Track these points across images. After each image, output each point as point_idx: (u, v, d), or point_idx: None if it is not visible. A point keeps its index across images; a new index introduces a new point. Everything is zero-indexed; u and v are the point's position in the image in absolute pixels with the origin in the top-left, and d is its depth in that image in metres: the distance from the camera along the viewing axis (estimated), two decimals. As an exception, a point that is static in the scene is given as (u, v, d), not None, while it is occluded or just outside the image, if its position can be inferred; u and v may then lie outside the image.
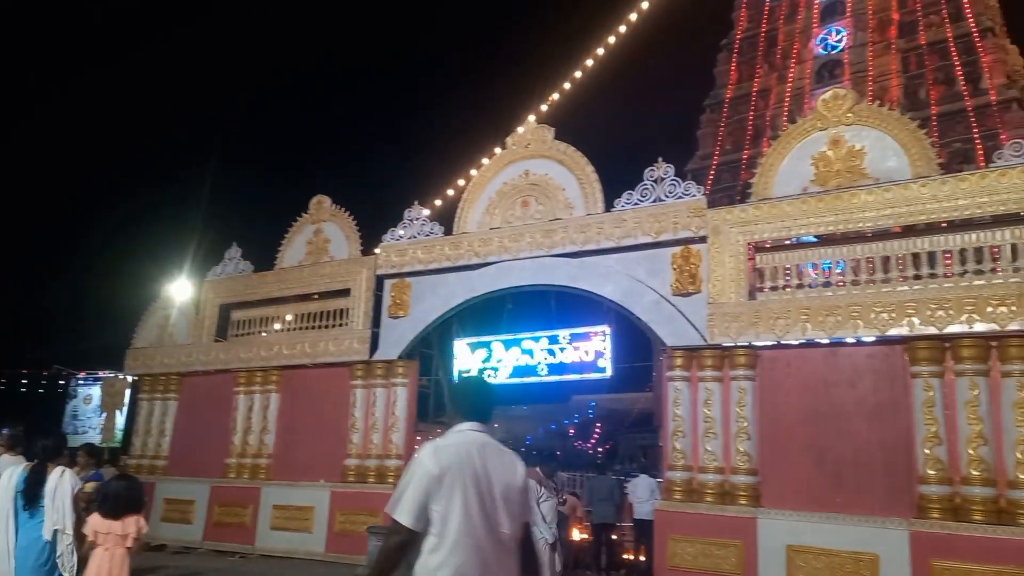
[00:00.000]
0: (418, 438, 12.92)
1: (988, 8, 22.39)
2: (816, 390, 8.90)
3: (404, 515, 2.92)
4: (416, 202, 12.82)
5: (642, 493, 11.42)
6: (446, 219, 12.48)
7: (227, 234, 15.42)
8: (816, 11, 24.94)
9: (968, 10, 21.85)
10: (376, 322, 12.55)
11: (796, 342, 8.99)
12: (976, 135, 20.06)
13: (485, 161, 12.70)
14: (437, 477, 2.94)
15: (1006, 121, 19.83)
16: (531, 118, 13.54)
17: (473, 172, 13.04)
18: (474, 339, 12.66)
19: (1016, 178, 7.96)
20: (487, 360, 12.37)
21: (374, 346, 12.42)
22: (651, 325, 10.05)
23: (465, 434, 3.16)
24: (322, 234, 13.51)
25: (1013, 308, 7.69)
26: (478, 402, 3.29)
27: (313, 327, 13.23)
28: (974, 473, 7.77)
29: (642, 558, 11.38)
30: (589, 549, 12.41)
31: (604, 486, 11.85)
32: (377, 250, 12.78)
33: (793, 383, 9.06)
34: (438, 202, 18.59)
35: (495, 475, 3.03)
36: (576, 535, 12.52)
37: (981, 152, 19.06)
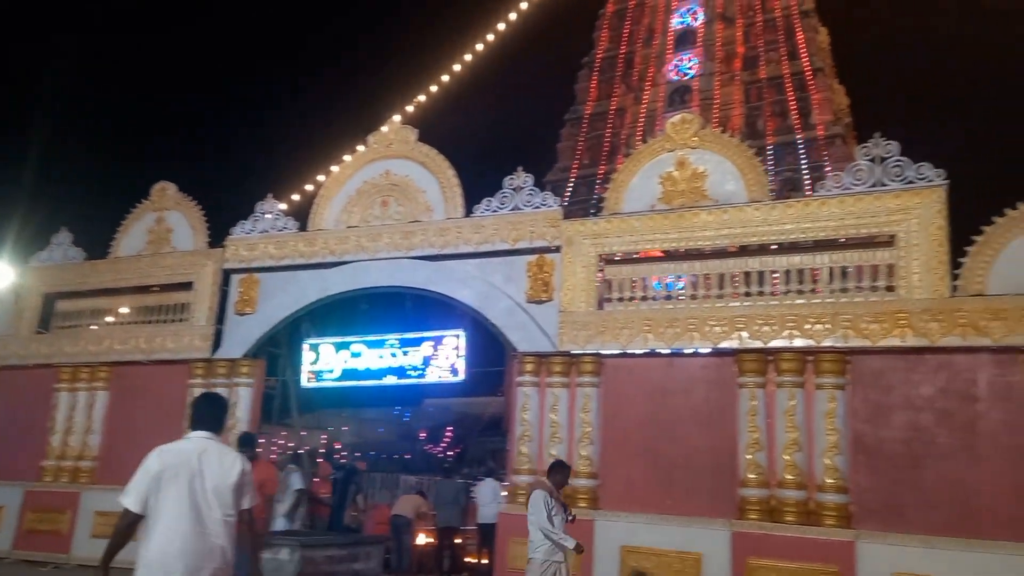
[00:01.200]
0: (261, 440, 12.41)
1: (820, 50, 24.57)
2: (654, 397, 9.35)
3: (128, 501, 3.74)
4: (270, 195, 12.33)
5: (486, 497, 11.53)
6: (302, 215, 12.09)
7: (55, 217, 14.18)
8: (671, 39, 26.37)
9: (803, 51, 23.89)
10: (221, 319, 11.95)
11: (639, 351, 9.41)
12: (804, 166, 21.94)
13: (347, 158, 12.42)
14: (156, 474, 3.72)
15: (831, 155, 21.84)
16: (396, 118, 13.40)
17: (333, 169, 12.72)
18: (326, 339, 12.30)
19: (835, 207, 8.74)
20: (337, 361, 12.06)
21: (217, 344, 11.81)
22: (504, 331, 10.20)
23: (191, 440, 3.91)
24: (164, 223, 12.70)
25: (828, 326, 8.43)
26: (205, 414, 4.03)
27: (150, 321, 12.39)
28: (788, 477, 8.44)
29: (484, 561, 11.49)
30: (433, 553, 12.38)
31: (450, 490, 11.87)
32: (225, 243, 12.18)
33: (634, 390, 9.48)
34: (295, 197, 18.02)
35: (208, 473, 3.77)
36: (421, 539, 12.46)
37: (809, 182, 20.84)
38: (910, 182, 8.44)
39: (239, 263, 11.97)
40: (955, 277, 8.13)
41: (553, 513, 6.64)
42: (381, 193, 11.46)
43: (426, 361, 11.51)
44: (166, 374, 11.97)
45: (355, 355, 11.87)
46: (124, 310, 12.67)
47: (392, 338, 11.81)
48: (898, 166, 8.54)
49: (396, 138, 11.64)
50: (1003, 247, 8.03)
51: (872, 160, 8.69)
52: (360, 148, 12.08)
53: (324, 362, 12.15)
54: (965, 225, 8.32)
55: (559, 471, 7.04)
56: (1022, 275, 7.89)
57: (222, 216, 12.64)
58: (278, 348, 13.10)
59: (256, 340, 11.65)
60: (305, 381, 12.58)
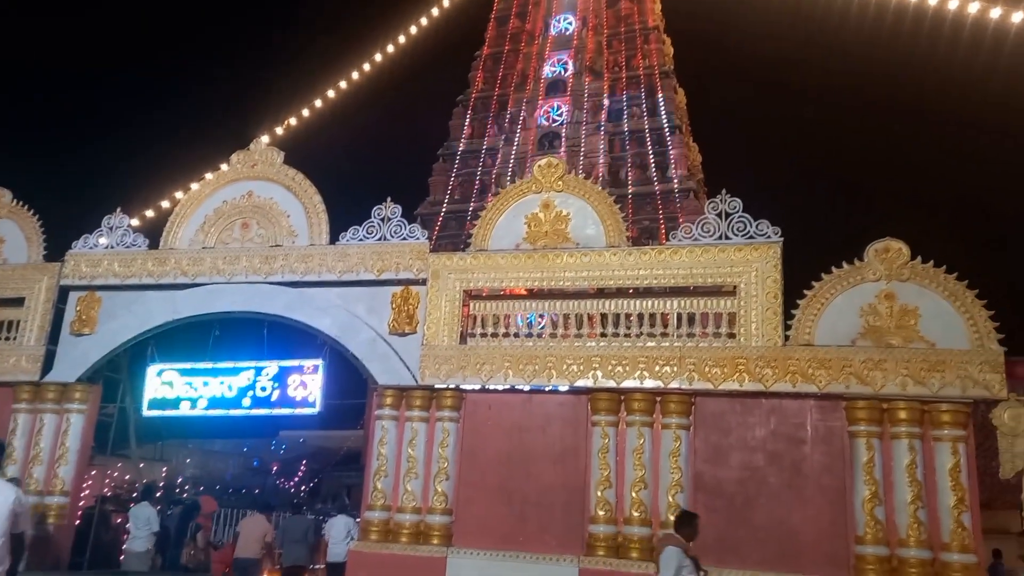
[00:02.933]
0: (92, 472, 11.42)
1: (678, 109, 26.20)
2: (512, 434, 9.42)
3: None
4: (119, 209, 11.53)
5: (338, 533, 11.11)
6: (155, 232, 11.40)
7: None
8: (543, 86, 27.26)
9: (663, 109, 25.37)
10: (54, 339, 10.97)
11: (499, 387, 9.47)
12: (660, 216, 23.17)
13: (208, 176, 11.86)
14: None
15: (684, 207, 23.18)
16: (263, 138, 12.96)
17: (193, 186, 12.10)
18: (172, 365, 11.52)
19: (685, 257, 9.24)
20: (184, 388, 11.31)
21: (48, 366, 10.82)
22: (365, 362, 9.99)
23: None
24: (-6, 232, 11.57)
25: (675, 368, 8.85)
26: None
27: (-31, 339, 11.17)
28: (635, 514, 8.70)
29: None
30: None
31: (299, 527, 11.33)
32: (65, 258, 11.24)
33: (493, 426, 9.51)
34: (149, 213, 16.95)
35: None
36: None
37: (663, 231, 21.98)
38: (751, 237, 9.08)
39: (79, 280, 11.09)
40: (788, 327, 8.77)
41: (688, 571, 6.23)
42: (242, 215, 11.03)
43: (281, 391, 11.01)
44: (-15, 398, 10.80)
45: (204, 383, 11.18)
46: (-62, 325, 11.37)
47: (246, 366, 11.23)
48: (741, 222, 9.17)
49: (262, 159, 11.27)
50: (829, 302, 8.77)
51: (719, 215, 9.29)
52: (223, 167, 11.57)
53: (168, 389, 11.35)
54: (799, 279, 9.04)
55: (688, 523, 6.56)
56: (844, 328, 8.64)
57: (67, 228, 11.70)
58: (118, 373, 12.10)
59: (93, 363, 10.78)
60: (146, 409, 11.68)
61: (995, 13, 15.48)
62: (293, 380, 11.05)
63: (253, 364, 11.11)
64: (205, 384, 11.32)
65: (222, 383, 11.11)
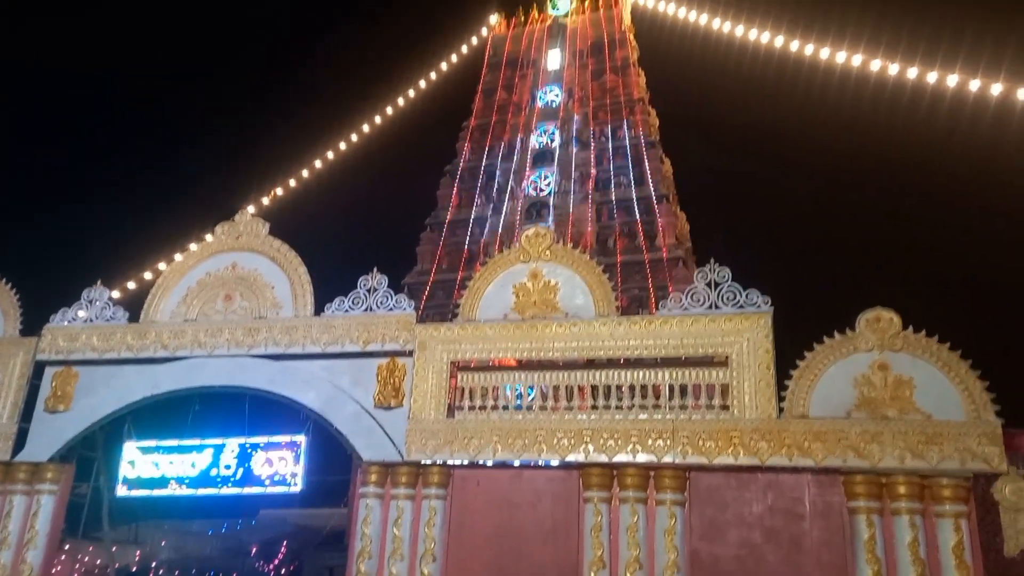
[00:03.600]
0: (62, 557, 11.01)
1: (665, 179, 26.70)
2: (501, 511, 9.21)
3: None
4: (99, 281, 11.47)
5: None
6: (136, 306, 11.31)
7: None
8: (530, 156, 27.81)
9: (650, 178, 25.84)
10: (28, 416, 10.72)
11: (488, 462, 9.30)
12: (650, 285, 23.31)
13: (192, 247, 11.87)
14: None
15: (674, 276, 23.35)
16: (249, 209, 13.05)
17: (177, 257, 12.09)
18: (150, 442, 11.27)
19: (676, 327, 9.24)
20: (161, 467, 11.03)
21: (20, 444, 10.55)
22: (349, 437, 9.81)
23: None
24: (-30, 306, 11.44)
25: (668, 442, 8.73)
26: None
27: (-62, 417, 10.90)
28: (629, 596, 8.44)
29: None
30: None
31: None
32: (42, 332, 11.11)
33: (481, 503, 9.30)
34: (131, 285, 16.91)
35: None
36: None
37: (653, 300, 22.09)
38: (741, 307, 9.11)
39: (56, 354, 10.93)
40: (782, 399, 8.72)
41: None
42: (226, 287, 11.00)
43: (247, 470, 10.78)
44: (-50, 478, 10.48)
45: (170, 462, 10.93)
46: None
47: (226, 442, 11.00)
48: (731, 291, 9.21)
49: (246, 230, 11.31)
50: (822, 372, 8.74)
51: (708, 284, 9.34)
52: (207, 238, 11.60)
53: (145, 467, 11.06)
54: (792, 349, 9.03)
55: None
56: (839, 399, 8.59)
57: (46, 301, 11.60)
58: (93, 451, 11.80)
59: (67, 441, 10.52)
60: (121, 489, 11.36)
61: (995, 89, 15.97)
62: (275, 457, 10.82)
63: (235, 441, 10.89)
64: (171, 463, 11.07)
65: (192, 463, 10.86)
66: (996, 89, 15.92)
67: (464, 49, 30.22)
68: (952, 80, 16.56)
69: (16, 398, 10.75)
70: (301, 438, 10.73)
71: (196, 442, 11.10)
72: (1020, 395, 9.12)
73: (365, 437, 9.68)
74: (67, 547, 12.05)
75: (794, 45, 20.53)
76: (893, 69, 17.86)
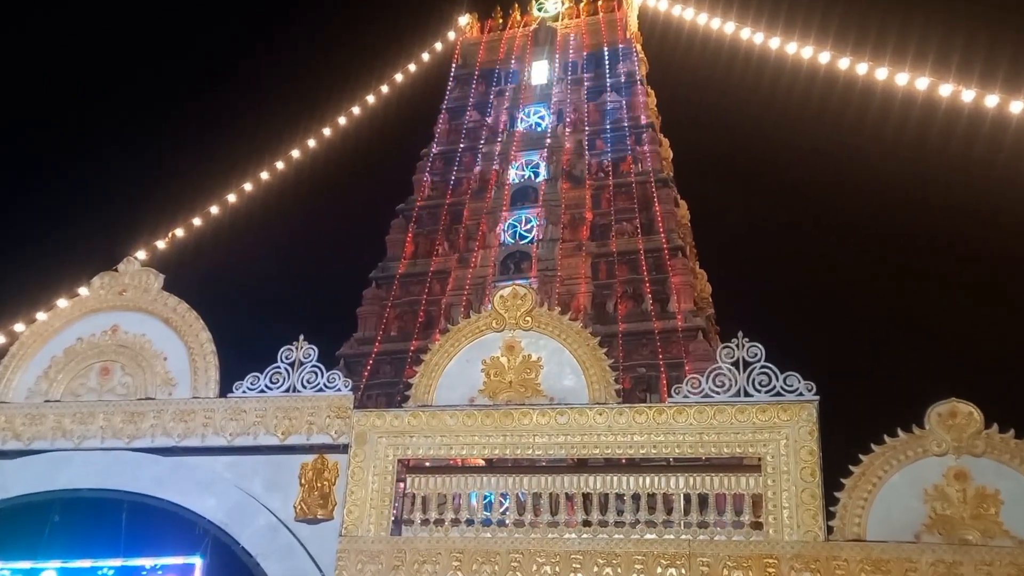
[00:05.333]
0: None
1: (680, 226, 27.07)
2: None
3: None
4: (-67, 349, 11.29)
5: None
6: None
7: None
8: (507, 193, 28.09)
9: (660, 224, 26.17)
10: None
11: (443, 595, 9.12)
12: (661, 361, 23.37)
13: (61, 304, 11.77)
14: None
15: (691, 351, 23.48)
16: (137, 256, 12.99)
17: (39, 316, 11.93)
18: (-10, 563, 10.96)
19: (693, 418, 9.23)
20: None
21: None
22: (260, 560, 9.63)
23: None
24: None
25: (683, 570, 8.62)
26: None
27: None
28: None
29: None
30: None
31: None
32: None
33: (434, 652, 9.07)
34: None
35: None
36: None
37: (665, 383, 22.12)
38: (778, 394, 9.14)
39: None
40: (830, 515, 8.68)
41: None
42: (103, 356, 10.91)
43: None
44: None
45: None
46: None
47: (94, 565, 10.70)
48: (765, 373, 9.25)
49: (133, 283, 11.26)
50: (882, 482, 8.75)
51: (735, 364, 9.37)
52: (81, 292, 11.51)
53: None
54: (839, 449, 9.04)
55: None
56: (905, 518, 8.58)
57: None
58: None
59: None
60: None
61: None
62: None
63: (105, 564, 10.57)
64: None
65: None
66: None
67: (425, 56, 30.59)
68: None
69: None
70: (196, 561, 10.44)
71: (54, 564, 10.76)
72: None
73: (282, 560, 9.52)
74: None
75: (843, 63, 21.11)
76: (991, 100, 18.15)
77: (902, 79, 19.00)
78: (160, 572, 10.36)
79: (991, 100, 16.70)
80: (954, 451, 8.70)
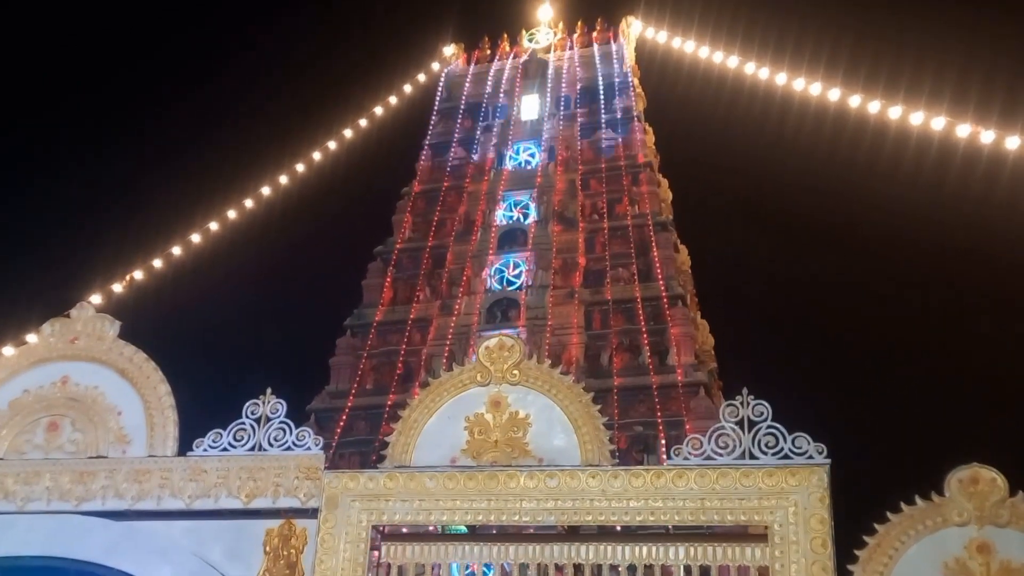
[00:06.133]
0: None
1: (680, 272, 27.20)
2: None
3: None
4: None
5: None
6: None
7: None
8: (494, 236, 28.22)
9: (659, 271, 26.28)
10: None
11: None
12: (659, 419, 23.34)
13: (6, 352, 11.74)
14: None
15: (691, 408, 23.47)
16: (91, 300, 12.97)
17: (-19, 365, 11.90)
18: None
19: (694, 482, 9.19)
20: None
21: None
22: (217, 639, 9.49)
23: None
24: None
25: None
26: None
27: None
28: None
29: None
30: None
31: None
32: None
33: None
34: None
35: None
36: None
37: (663, 443, 22.07)
38: (786, 456, 9.12)
39: None
40: (845, 591, 8.63)
41: None
42: (51, 410, 10.83)
43: None
44: None
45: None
46: None
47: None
48: (771, 434, 9.24)
49: (86, 330, 11.20)
50: (899, 555, 8.69)
51: (740, 423, 9.37)
52: (29, 339, 11.47)
53: None
54: (855, 519, 9.00)
55: None
56: (926, 594, 8.54)
57: None
58: None
59: None
60: None
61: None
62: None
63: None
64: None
65: None
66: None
67: (407, 88, 30.95)
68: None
69: None
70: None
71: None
72: None
73: (242, 639, 9.38)
74: None
75: (854, 101, 21.42)
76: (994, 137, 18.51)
77: (916, 118, 19.30)
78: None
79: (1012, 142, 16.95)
80: (976, 521, 8.67)
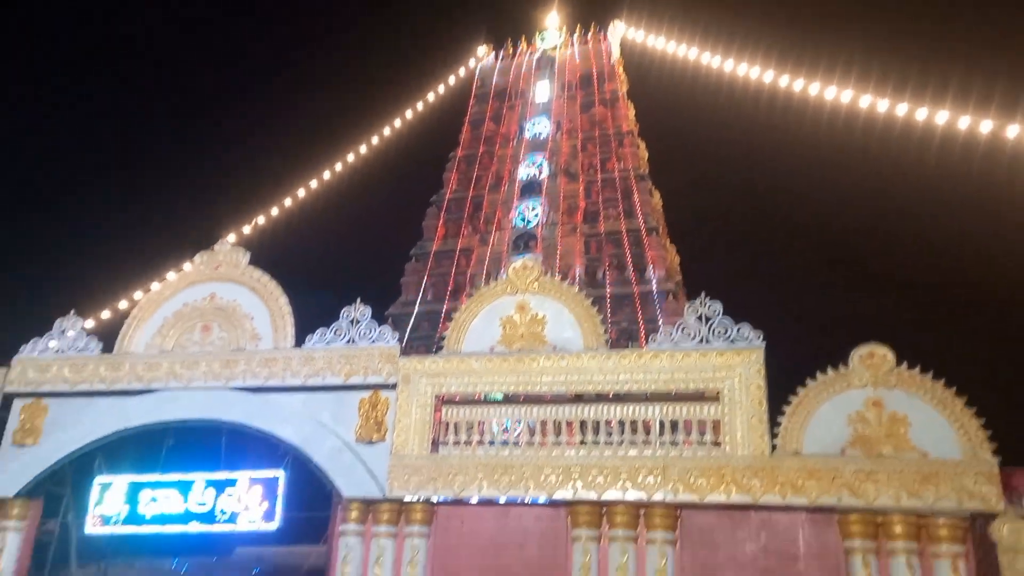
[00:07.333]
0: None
1: (654, 211, 26.83)
2: (486, 551, 9.03)
3: None
4: (73, 311, 11.30)
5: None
6: (111, 336, 11.16)
7: None
8: (517, 187, 27.90)
9: (639, 210, 25.95)
10: (-7, 449, 10.47)
11: (472, 499, 9.14)
12: (640, 318, 23.26)
13: (170, 276, 11.76)
14: None
15: (664, 309, 23.33)
16: (229, 238, 12.96)
17: (153, 286, 11.94)
18: (120, 476, 10.99)
19: (666, 361, 9.18)
20: (133, 503, 10.75)
21: (-16, 480, 10.27)
22: (329, 473, 9.64)
23: None
24: (-66, 336, 11.26)
25: (659, 479, 8.62)
26: None
27: (-101, 450, 10.63)
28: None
29: None
30: None
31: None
32: (11, 363, 10.90)
33: (465, 544, 9.13)
34: (105, 314, 16.64)
35: None
36: None
37: (643, 334, 22.02)
38: (733, 341, 9.07)
39: (25, 386, 10.73)
40: (775, 435, 8.63)
41: None
42: (204, 317, 10.88)
43: (238, 505, 10.50)
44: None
45: (153, 499, 10.64)
46: None
47: (200, 477, 10.74)
48: (722, 325, 9.18)
49: (226, 260, 11.22)
50: (815, 409, 8.68)
51: (699, 318, 9.31)
52: (186, 267, 11.50)
53: (115, 504, 10.77)
54: (784, 384, 8.97)
55: None
56: (833, 436, 8.53)
57: (17, 331, 11.41)
58: (61, 486, 11.49)
59: (35, 477, 10.29)
60: (91, 526, 11.03)
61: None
62: (252, 493, 10.56)
63: (208, 476, 10.63)
64: (153, 500, 10.76)
65: (165, 500, 10.57)
66: (986, 126, 16.06)
67: (452, 80, 30.49)
68: (942, 117, 16.73)
69: (-18, 431, 10.51)
70: (279, 473, 10.50)
71: (170, 478, 10.83)
72: (1017, 433, 9.09)
73: (346, 473, 9.52)
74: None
75: (783, 80, 20.80)
76: (881, 104, 18.02)
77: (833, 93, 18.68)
78: (252, 482, 10.46)
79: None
80: (872, 385, 8.63)
